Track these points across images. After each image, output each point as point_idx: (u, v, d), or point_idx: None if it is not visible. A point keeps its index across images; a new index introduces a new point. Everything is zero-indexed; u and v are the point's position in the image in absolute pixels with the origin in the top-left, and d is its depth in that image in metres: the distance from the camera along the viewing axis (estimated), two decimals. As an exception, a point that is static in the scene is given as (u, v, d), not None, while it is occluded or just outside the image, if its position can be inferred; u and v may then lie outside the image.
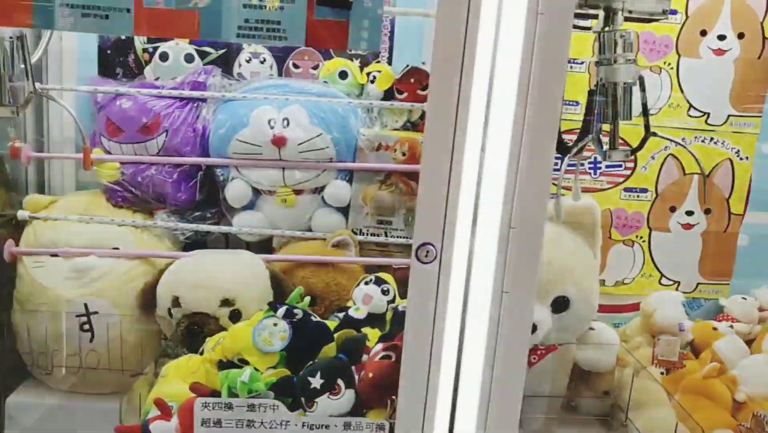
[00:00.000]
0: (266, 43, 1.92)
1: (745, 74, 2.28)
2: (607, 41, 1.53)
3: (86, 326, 2.00)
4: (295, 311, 1.74)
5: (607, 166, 2.33)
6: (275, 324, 1.71)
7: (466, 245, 1.42)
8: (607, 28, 1.54)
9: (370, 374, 1.50)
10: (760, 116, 2.32)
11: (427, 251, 1.39)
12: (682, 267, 2.41)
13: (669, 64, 2.28)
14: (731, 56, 2.28)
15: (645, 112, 1.62)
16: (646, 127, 1.64)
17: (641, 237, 2.38)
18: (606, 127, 1.69)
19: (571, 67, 2.28)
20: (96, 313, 2.00)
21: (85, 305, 1.99)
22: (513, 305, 1.42)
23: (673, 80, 2.29)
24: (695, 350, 2.31)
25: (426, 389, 1.45)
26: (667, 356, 2.18)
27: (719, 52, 2.27)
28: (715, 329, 2.29)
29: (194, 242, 2.19)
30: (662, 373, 2.19)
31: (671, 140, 1.86)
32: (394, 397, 1.47)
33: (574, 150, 1.62)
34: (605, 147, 1.66)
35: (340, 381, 1.51)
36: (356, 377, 1.55)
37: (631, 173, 2.34)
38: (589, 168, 2.33)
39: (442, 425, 1.49)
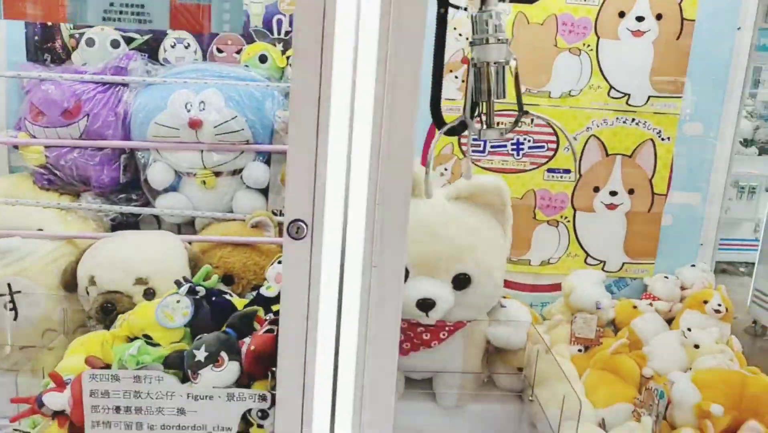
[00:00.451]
0: (131, 26, 1.97)
1: (664, 55, 2.31)
2: (479, 22, 1.56)
3: (10, 305, 2.06)
4: (198, 288, 1.79)
5: (529, 148, 2.37)
6: (178, 301, 1.76)
7: (339, 221, 1.47)
8: (480, 9, 1.57)
9: (252, 347, 1.56)
10: (681, 97, 2.35)
11: (298, 227, 1.44)
12: (607, 247, 2.45)
13: (588, 45, 2.31)
14: (650, 37, 2.30)
15: (518, 92, 1.64)
16: (519, 106, 1.67)
17: (566, 217, 2.42)
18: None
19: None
20: (19, 292, 2.05)
21: (9, 285, 2.05)
22: (382, 278, 1.47)
23: (593, 62, 2.31)
24: (617, 328, 2.36)
25: (304, 360, 1.50)
26: (584, 334, 2.23)
27: (638, 33, 2.30)
28: (635, 307, 2.33)
29: (121, 224, 2.25)
30: (580, 350, 2.24)
31: (537, 116, 1.87)
32: (274, 368, 1.52)
33: (444, 128, 1.64)
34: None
35: (223, 354, 1.56)
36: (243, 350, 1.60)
37: (554, 154, 2.38)
38: (512, 149, 2.37)
39: (324, 393, 1.54)
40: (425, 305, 1.85)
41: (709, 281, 2.35)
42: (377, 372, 1.53)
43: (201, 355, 1.56)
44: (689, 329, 2.09)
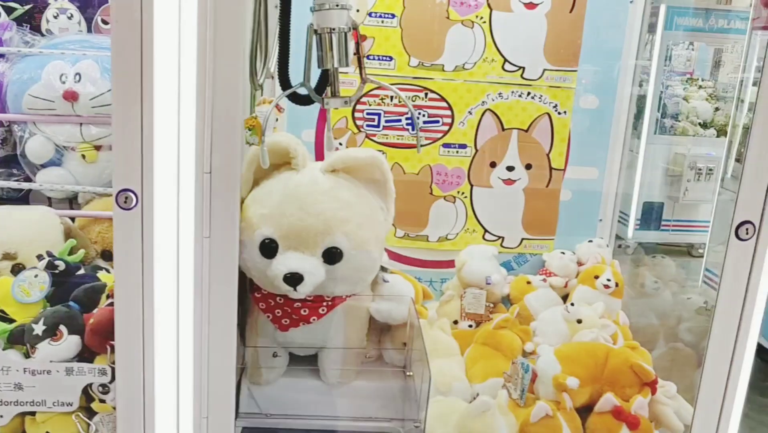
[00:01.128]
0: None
1: (557, 28, 2.29)
2: (318, -14, 1.52)
3: None
4: (57, 262, 1.76)
5: (424, 122, 2.34)
6: (36, 275, 1.73)
7: (172, 190, 1.44)
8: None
9: (91, 321, 1.53)
10: (576, 70, 2.33)
11: (126, 197, 1.41)
12: (505, 223, 2.44)
13: (481, 18, 2.28)
14: (543, 9, 2.28)
15: (359, 60, 1.61)
16: (362, 75, 1.64)
17: (463, 193, 2.40)
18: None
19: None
20: None
21: None
22: (215, 249, 1.44)
23: (487, 35, 2.29)
24: (513, 304, 2.35)
25: (142, 333, 1.48)
26: (474, 309, 2.22)
27: (530, 5, 2.27)
28: (529, 282, 2.32)
29: (2, 200, 2.20)
30: (470, 326, 2.23)
31: (386, 87, 1.86)
32: (113, 342, 1.50)
33: (286, 92, 1.60)
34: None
35: (62, 328, 1.53)
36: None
37: (449, 129, 2.35)
38: (407, 124, 2.34)
39: (167, 366, 1.52)
40: (293, 279, 1.82)
41: (602, 255, 2.34)
42: (218, 342, 1.51)
43: (39, 329, 1.54)
44: (572, 304, 2.08)
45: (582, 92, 2.35)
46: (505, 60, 2.31)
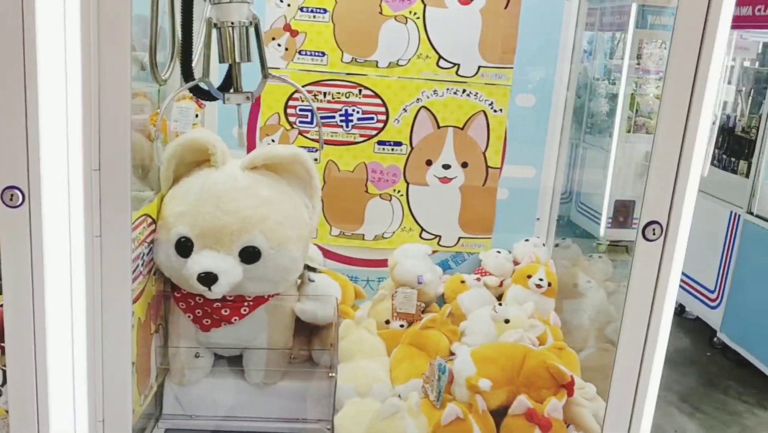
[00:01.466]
0: None
1: (492, 24, 2.26)
2: (217, -21, 1.48)
3: None
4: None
5: (358, 119, 2.31)
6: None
7: (62, 188, 1.40)
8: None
9: (-17, 321, 1.48)
10: (512, 68, 2.30)
11: (12, 195, 1.36)
12: (442, 221, 2.40)
13: (415, 13, 2.25)
14: (477, 5, 2.24)
15: (261, 55, 1.57)
16: (263, 71, 1.60)
17: (399, 191, 2.37)
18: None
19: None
20: None
21: None
22: (106, 248, 1.40)
23: (421, 31, 2.25)
24: (446, 303, 2.32)
25: (33, 334, 1.44)
26: (405, 309, 2.19)
27: (465, 1, 2.24)
28: (463, 282, 2.30)
29: None
30: (402, 326, 2.20)
31: (290, 84, 1.83)
32: (3, 344, 1.46)
33: (185, 87, 1.56)
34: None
35: (-47, 329, 1.49)
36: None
37: (384, 126, 2.32)
38: (341, 121, 2.30)
39: (60, 367, 1.48)
40: (207, 278, 1.78)
41: (537, 255, 2.31)
42: (112, 343, 1.47)
43: (-73, 330, 1.49)
44: (500, 304, 2.05)
45: (518, 90, 2.32)
46: (440, 57, 2.28)
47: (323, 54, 2.23)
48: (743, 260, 4.94)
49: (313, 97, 2.26)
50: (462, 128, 2.33)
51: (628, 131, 7.09)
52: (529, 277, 2.22)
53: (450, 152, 2.34)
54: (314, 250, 2.34)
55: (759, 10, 4.97)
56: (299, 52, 2.23)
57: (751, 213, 4.84)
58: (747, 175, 4.96)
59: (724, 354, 5.12)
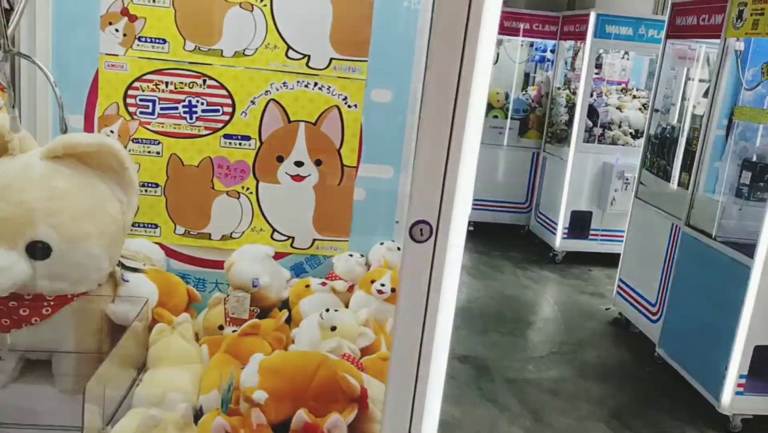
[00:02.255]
0: None
1: (343, 14, 2.12)
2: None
3: None
4: None
5: (203, 111, 2.16)
6: None
7: None
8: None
9: None
10: (366, 61, 2.15)
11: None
12: (295, 222, 2.26)
13: (262, 0, 2.10)
14: (327, -7, 2.10)
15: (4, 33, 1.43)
16: (4, 47, 1.46)
17: (248, 188, 2.22)
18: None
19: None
20: None
21: None
22: None
23: (268, 19, 2.11)
24: (291, 308, 2.17)
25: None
26: (239, 314, 2.04)
27: (313, -13, 2.09)
28: (308, 286, 2.15)
29: None
30: (234, 330, 2.05)
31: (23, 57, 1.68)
32: None
33: None
34: None
35: None
36: None
37: (230, 119, 2.17)
38: (184, 112, 2.16)
39: None
40: (-15, 275, 1.64)
41: (387, 259, 2.16)
42: None
43: None
44: (327, 310, 1.90)
45: (374, 85, 2.17)
46: (289, 47, 2.13)
47: (164, 41, 2.09)
48: (681, 273, 4.78)
49: (154, 87, 2.11)
50: (315, 124, 2.19)
51: (586, 141, 6.95)
52: (373, 282, 2.07)
53: (302, 149, 2.20)
54: (155, 249, 2.19)
55: (703, 19, 4.83)
56: (138, 39, 2.09)
57: (690, 225, 4.68)
58: (689, 187, 4.81)
59: (664, 370, 4.96)
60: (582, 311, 5.99)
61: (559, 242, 7.06)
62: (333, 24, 2.11)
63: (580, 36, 6.77)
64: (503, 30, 7.36)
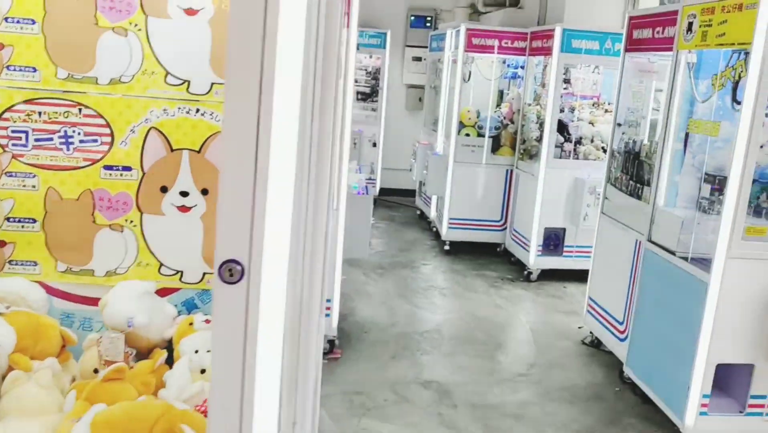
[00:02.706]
0: None
1: (222, 36, 1.99)
2: None
3: None
4: None
5: (80, 141, 2.04)
6: None
7: None
8: None
9: None
10: (249, 84, 2.02)
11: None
12: (183, 255, 2.12)
13: (136, 25, 1.99)
14: (205, 16, 2.00)
15: None
16: None
17: (131, 221, 2.10)
18: None
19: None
20: None
21: None
22: None
23: (144, 44, 2.00)
24: (175, 348, 2.03)
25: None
26: (112, 357, 1.90)
27: (190, 11, 2.00)
28: (191, 324, 2.01)
29: None
30: (110, 374, 1.90)
31: None
32: None
33: None
34: None
35: None
36: None
37: (110, 149, 2.05)
38: (61, 143, 2.04)
39: None
40: None
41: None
42: None
43: None
44: (196, 351, 1.76)
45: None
46: (167, 72, 2.02)
47: (35, 69, 1.98)
48: (645, 290, 4.62)
49: (26, 117, 1.99)
50: (198, 151, 2.06)
51: (558, 157, 6.82)
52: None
53: (187, 178, 2.07)
54: (34, 288, 2.06)
55: (657, 32, 4.71)
56: (7, 68, 1.98)
57: (651, 241, 4.54)
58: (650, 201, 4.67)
59: (632, 390, 4.79)
60: (554, 331, 5.82)
61: (533, 259, 6.91)
62: (213, 47, 2.00)
63: (548, 51, 6.66)
64: (473, 47, 7.28)
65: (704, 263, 3.96)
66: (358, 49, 8.77)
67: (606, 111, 7.36)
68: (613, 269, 5.13)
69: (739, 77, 3.91)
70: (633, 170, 5.05)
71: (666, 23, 4.59)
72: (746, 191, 3.74)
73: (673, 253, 4.25)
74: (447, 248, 7.61)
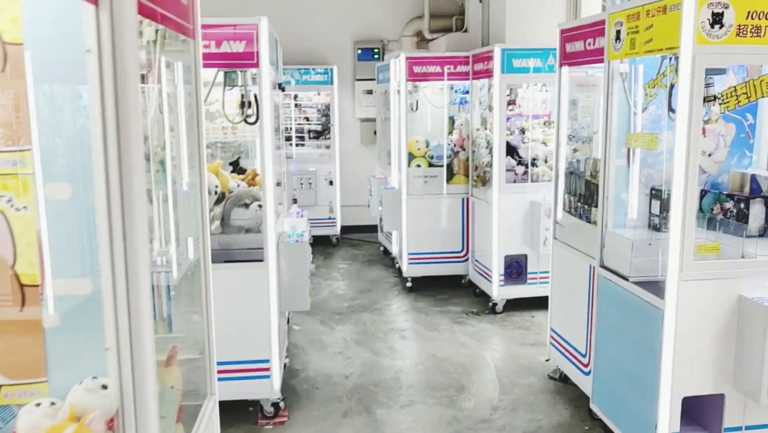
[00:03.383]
0: None
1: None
2: None
3: None
4: None
5: None
6: None
7: None
8: None
9: None
10: (30, 149, 1.62)
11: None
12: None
13: None
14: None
15: None
16: None
17: None
18: None
19: None
20: None
21: None
22: None
23: None
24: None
25: None
26: None
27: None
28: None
29: None
30: None
31: None
32: None
33: None
34: None
35: None
36: None
37: None
38: None
39: None
40: None
41: (74, 405, 1.59)
42: None
43: None
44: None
45: (49, 178, 1.63)
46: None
47: None
48: (602, 319, 4.20)
49: None
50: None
51: (513, 181, 6.44)
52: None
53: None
54: None
55: (589, 44, 4.37)
56: None
57: (604, 266, 4.13)
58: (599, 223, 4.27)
59: (603, 428, 4.34)
60: (520, 367, 5.38)
61: (496, 290, 6.48)
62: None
63: (490, 73, 6.32)
64: (416, 76, 6.94)
65: (659, 286, 3.55)
66: (289, 84, 8.39)
67: (558, 128, 7.00)
68: (570, 297, 4.72)
69: (672, 84, 3.55)
70: (580, 191, 4.66)
71: (596, 34, 4.25)
72: (692, 206, 3.35)
73: (626, 278, 3.85)
74: (409, 284, 7.19)
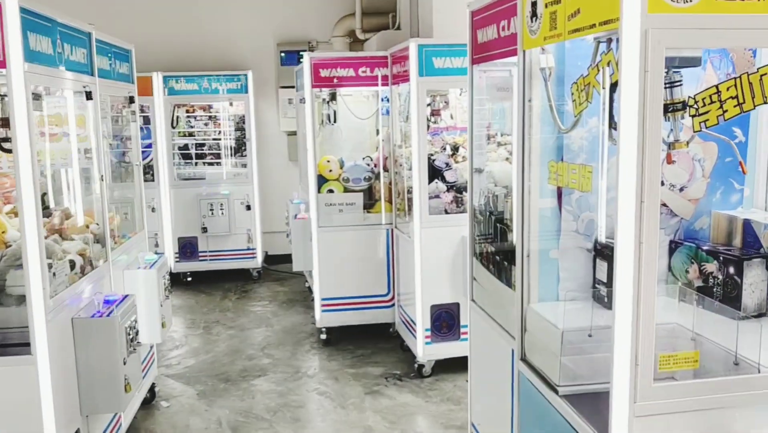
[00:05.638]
0: None
1: None
2: None
3: None
4: None
5: None
6: None
7: None
8: None
9: None
10: None
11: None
12: None
13: None
14: None
15: None
16: None
17: None
18: None
19: None
20: None
21: None
22: None
23: None
24: None
25: None
26: None
27: None
28: None
29: None
30: None
31: None
32: None
33: None
34: None
35: None
36: None
37: None
38: None
39: None
40: None
41: None
42: None
43: None
44: None
45: None
46: None
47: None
48: (525, 420, 2.73)
49: None
50: None
51: (441, 212, 4.98)
52: None
53: None
54: None
55: (503, 28, 2.90)
56: None
57: (525, 361, 2.65)
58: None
59: None
60: (439, 466, 3.87)
61: (421, 349, 4.98)
62: None
63: (407, 77, 4.84)
64: (321, 81, 5.45)
65: (605, 407, 2.07)
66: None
67: (499, 144, 5.49)
68: (491, 390, 3.23)
69: (614, 83, 2.08)
70: (496, 238, 3.18)
71: (509, 13, 2.77)
72: (650, 283, 1.88)
73: (554, 389, 2.37)
74: (324, 336, 5.69)
